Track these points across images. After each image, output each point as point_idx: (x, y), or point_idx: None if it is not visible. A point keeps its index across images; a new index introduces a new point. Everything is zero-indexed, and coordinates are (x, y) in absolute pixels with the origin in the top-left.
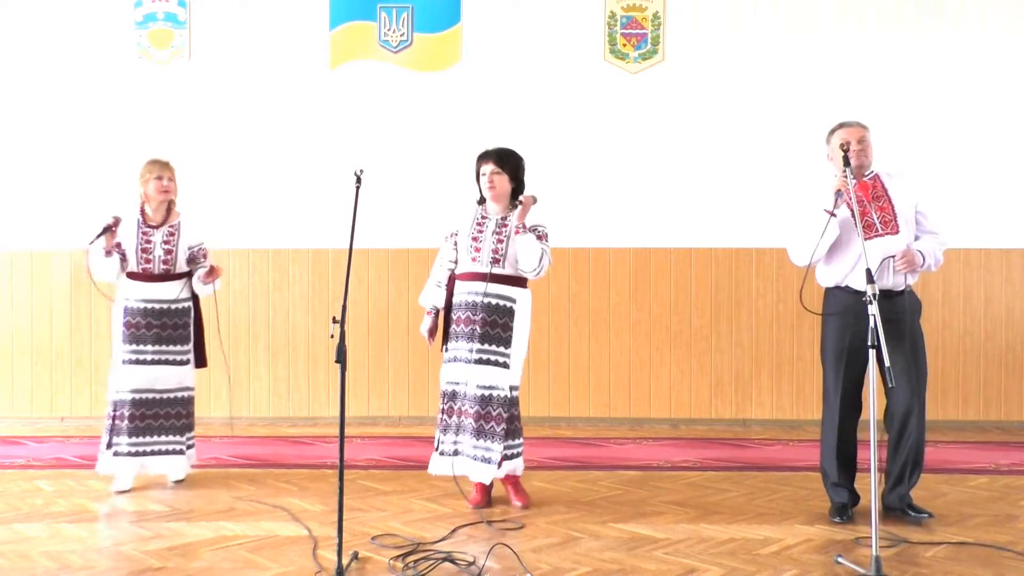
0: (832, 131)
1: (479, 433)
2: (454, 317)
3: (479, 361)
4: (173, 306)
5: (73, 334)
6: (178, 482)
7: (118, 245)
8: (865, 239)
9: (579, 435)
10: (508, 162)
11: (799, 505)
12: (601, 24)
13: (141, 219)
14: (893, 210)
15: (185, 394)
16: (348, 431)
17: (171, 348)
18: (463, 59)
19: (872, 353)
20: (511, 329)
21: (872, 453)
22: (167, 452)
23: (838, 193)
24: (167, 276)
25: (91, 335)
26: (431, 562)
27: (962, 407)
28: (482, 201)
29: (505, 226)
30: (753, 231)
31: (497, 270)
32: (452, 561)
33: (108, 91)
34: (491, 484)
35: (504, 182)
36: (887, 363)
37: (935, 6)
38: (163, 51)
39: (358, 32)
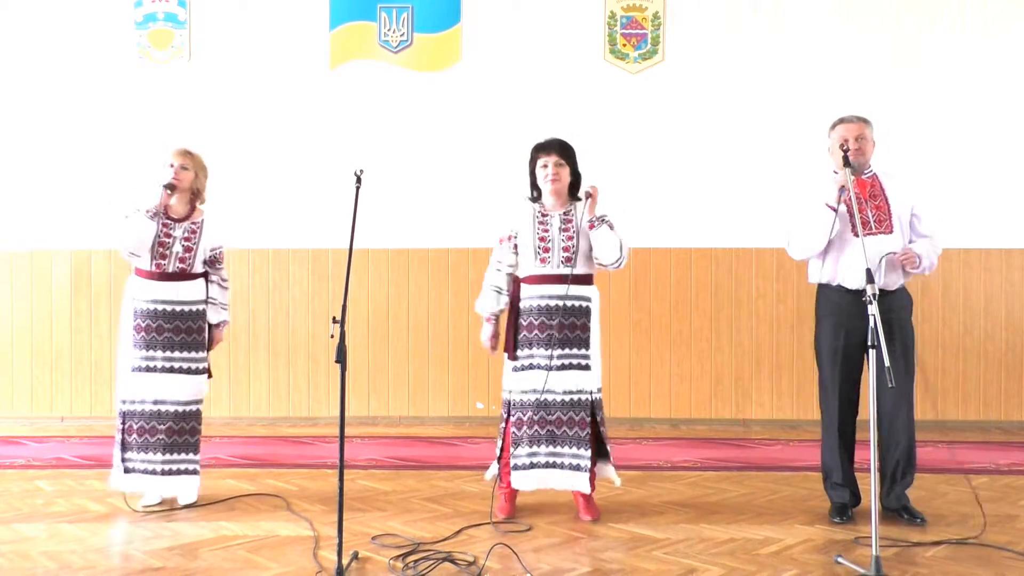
0: (832, 126)
1: (568, 441)
2: (525, 323)
3: (562, 367)
4: (187, 308)
5: (73, 334)
6: (189, 506)
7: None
8: (858, 236)
9: None
10: (570, 153)
11: (799, 505)
12: (601, 24)
13: (163, 210)
14: (889, 210)
15: (197, 408)
16: (348, 431)
17: (184, 355)
18: (463, 59)
19: (872, 353)
20: (589, 330)
21: (872, 453)
22: (180, 472)
23: (842, 189)
24: (182, 275)
25: (91, 335)
26: (431, 562)
27: (962, 407)
28: (536, 198)
29: (570, 222)
30: (753, 231)
31: (569, 269)
32: (452, 561)
33: (108, 91)
34: (516, 492)
35: (566, 174)
36: (887, 363)
37: (935, 5)
38: (163, 51)
39: (358, 32)
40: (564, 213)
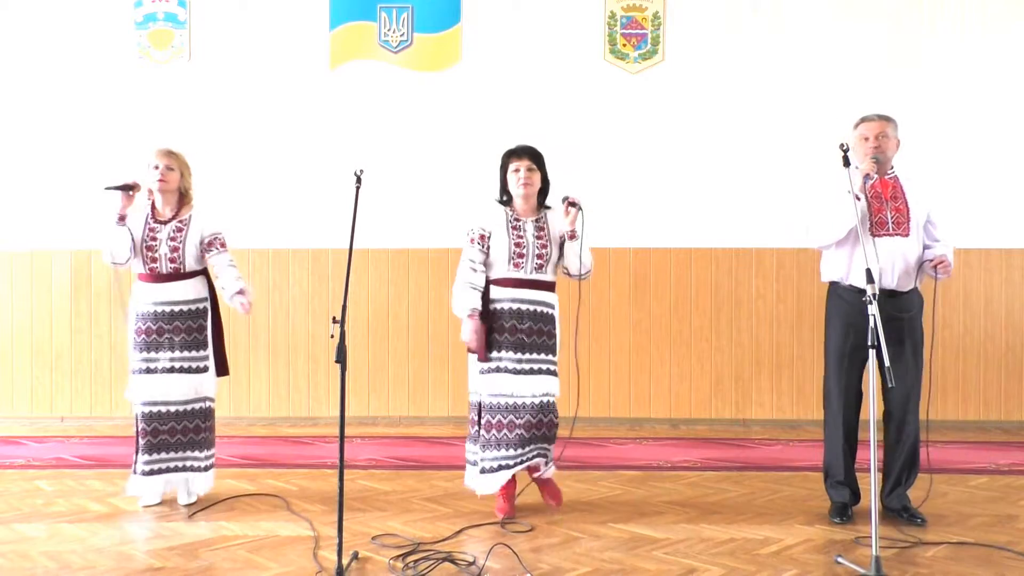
0: (856, 124)
1: (537, 440)
2: (495, 326)
3: (532, 371)
4: (185, 308)
5: (73, 334)
6: (189, 506)
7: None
8: (875, 236)
9: (579, 435)
10: (541, 160)
11: (799, 505)
12: (601, 24)
13: (151, 213)
14: (908, 213)
15: (203, 405)
16: (348, 431)
17: (185, 354)
18: (463, 59)
19: (872, 353)
20: (554, 336)
21: (872, 453)
22: (183, 469)
23: (867, 177)
24: (176, 275)
25: (91, 335)
26: (431, 562)
27: (962, 407)
28: (507, 201)
29: (543, 229)
30: (753, 231)
31: (541, 276)
32: (452, 561)
33: (108, 91)
34: (514, 492)
35: (538, 180)
36: (887, 363)
37: (935, 5)
38: (163, 51)
39: (358, 32)
40: (536, 220)
